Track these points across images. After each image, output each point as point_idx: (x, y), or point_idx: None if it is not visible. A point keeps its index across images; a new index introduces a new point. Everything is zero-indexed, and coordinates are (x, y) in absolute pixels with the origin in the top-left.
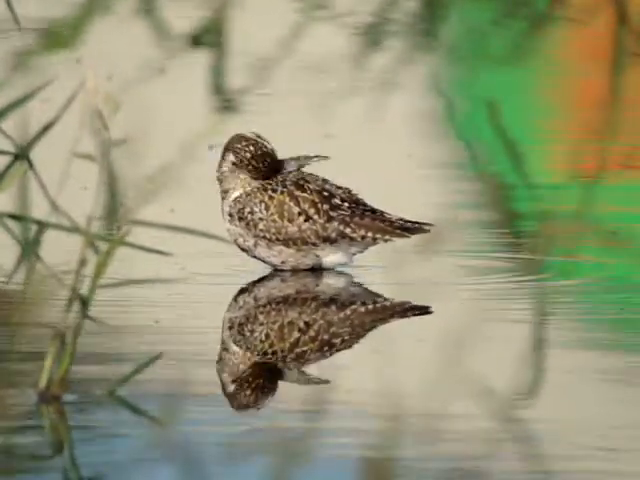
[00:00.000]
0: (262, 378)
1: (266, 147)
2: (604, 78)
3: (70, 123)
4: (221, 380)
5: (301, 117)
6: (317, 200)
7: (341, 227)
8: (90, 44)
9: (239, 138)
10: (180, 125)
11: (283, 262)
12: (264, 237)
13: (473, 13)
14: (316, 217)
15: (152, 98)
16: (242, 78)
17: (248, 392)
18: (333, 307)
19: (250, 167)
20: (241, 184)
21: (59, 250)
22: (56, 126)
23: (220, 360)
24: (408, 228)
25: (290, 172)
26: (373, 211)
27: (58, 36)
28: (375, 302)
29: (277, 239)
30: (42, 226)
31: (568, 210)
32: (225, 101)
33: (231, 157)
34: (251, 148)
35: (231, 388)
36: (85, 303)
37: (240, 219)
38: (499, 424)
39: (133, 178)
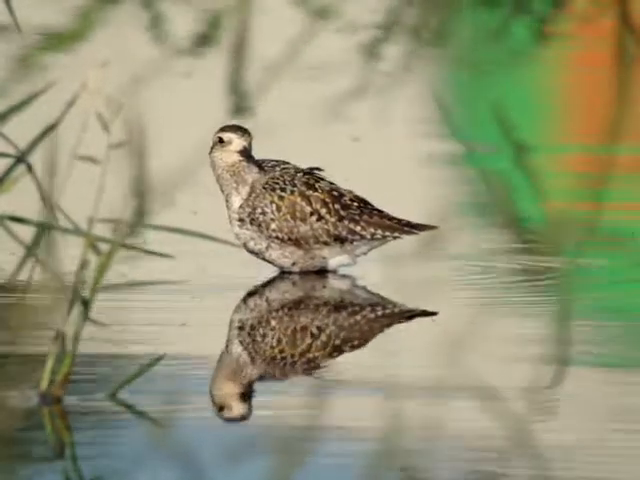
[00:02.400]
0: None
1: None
2: (608, 80)
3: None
4: (219, 383)
5: (322, 121)
6: (328, 200)
7: (351, 225)
8: (95, 46)
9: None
10: (201, 127)
11: (294, 263)
12: (277, 237)
13: (478, 18)
14: (328, 216)
15: (168, 100)
16: (256, 82)
17: (243, 400)
18: (339, 311)
19: (229, 133)
20: (237, 180)
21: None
22: (65, 127)
23: (221, 362)
24: (415, 225)
25: (292, 173)
26: (380, 211)
27: (60, 38)
28: (381, 306)
29: (289, 239)
30: (43, 228)
31: (575, 212)
32: (242, 106)
33: (214, 139)
34: (226, 125)
35: (229, 393)
36: (86, 305)
37: (252, 222)
38: (504, 428)
39: (153, 180)
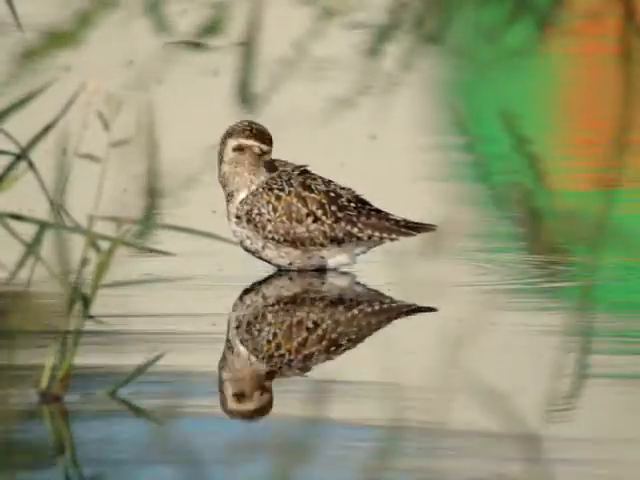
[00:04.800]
0: (263, 380)
1: (261, 126)
2: (613, 77)
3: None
4: (222, 382)
5: (329, 119)
6: (325, 201)
7: (348, 227)
8: (96, 45)
9: (235, 125)
10: (210, 125)
11: (290, 263)
12: (272, 238)
13: (480, 15)
14: (324, 218)
15: (175, 98)
16: (264, 80)
17: (247, 398)
18: (338, 308)
19: (252, 141)
20: (244, 182)
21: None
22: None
23: (222, 360)
24: (413, 227)
25: (289, 171)
26: (378, 211)
27: (61, 36)
28: (380, 303)
29: (285, 240)
30: (44, 226)
31: (583, 210)
32: (250, 103)
33: (232, 142)
34: (250, 127)
35: (231, 392)
36: (87, 303)
37: (248, 221)
38: (506, 427)
39: (162, 178)
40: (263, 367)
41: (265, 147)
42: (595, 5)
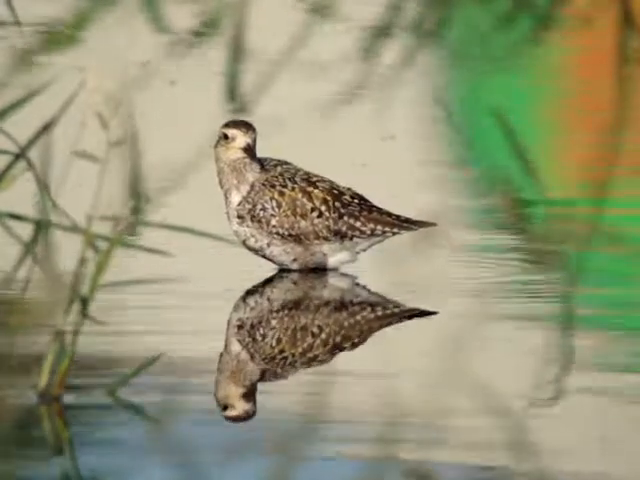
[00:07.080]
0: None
1: (243, 120)
2: (609, 80)
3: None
4: (221, 383)
5: (325, 119)
6: (329, 197)
7: (351, 221)
8: (100, 42)
9: (227, 122)
10: (204, 124)
11: (295, 259)
12: (277, 233)
13: (477, 15)
14: (328, 214)
15: (166, 98)
16: (254, 79)
17: (246, 399)
18: (339, 310)
19: (244, 132)
20: (238, 177)
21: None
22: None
23: (221, 361)
24: (414, 222)
25: (292, 171)
26: (379, 208)
27: (60, 35)
28: (381, 306)
29: (289, 234)
30: (42, 226)
31: (576, 214)
32: (240, 104)
33: (219, 136)
34: (233, 120)
35: (230, 393)
36: (85, 303)
37: (252, 218)
38: (502, 429)
39: (156, 179)
40: (263, 368)
41: (250, 133)
42: (592, 5)
